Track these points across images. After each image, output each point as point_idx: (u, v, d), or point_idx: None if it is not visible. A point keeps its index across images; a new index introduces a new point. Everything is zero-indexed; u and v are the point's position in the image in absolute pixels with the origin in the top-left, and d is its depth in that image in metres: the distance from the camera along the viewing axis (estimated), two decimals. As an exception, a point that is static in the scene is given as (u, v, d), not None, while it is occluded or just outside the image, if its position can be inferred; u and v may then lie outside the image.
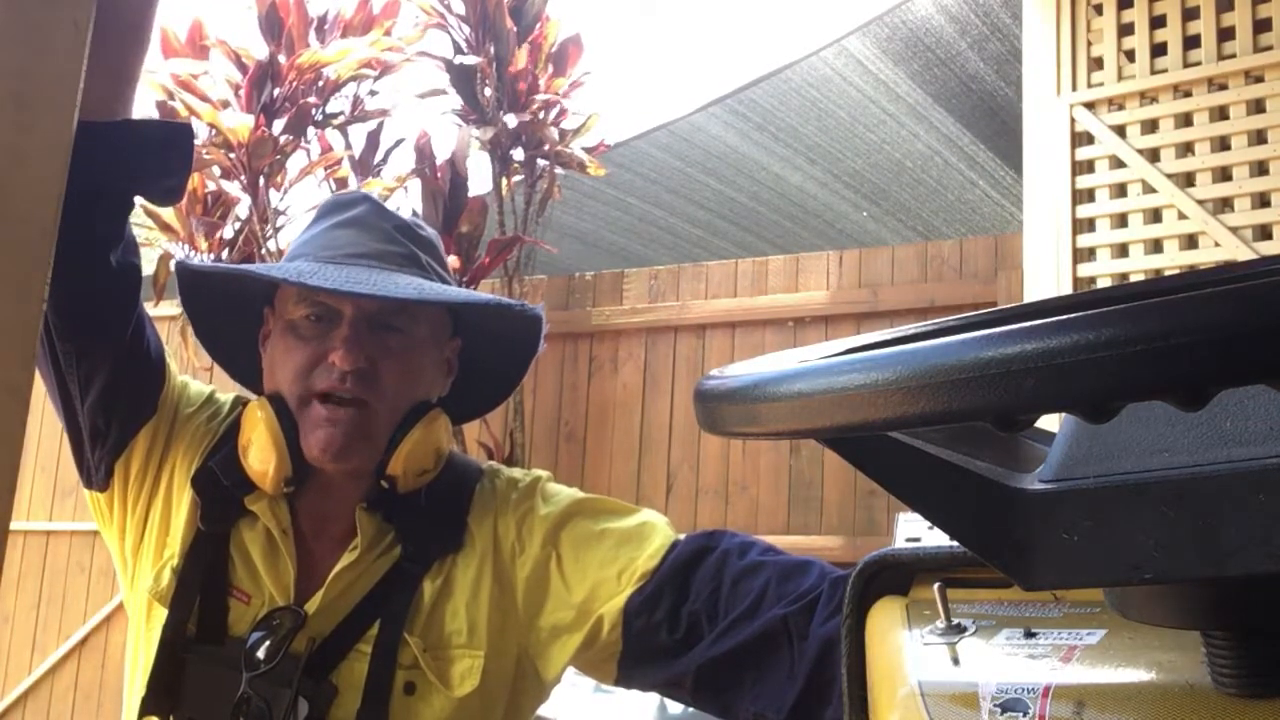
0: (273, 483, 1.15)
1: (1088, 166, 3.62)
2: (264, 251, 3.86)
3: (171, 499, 1.21)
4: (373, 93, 4.14)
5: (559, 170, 4.19)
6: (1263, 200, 3.36)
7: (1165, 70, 3.54)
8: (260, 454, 1.15)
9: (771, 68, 4.58)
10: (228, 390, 1.32)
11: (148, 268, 3.65)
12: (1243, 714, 0.53)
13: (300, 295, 1.16)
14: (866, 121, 4.93)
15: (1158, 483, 0.51)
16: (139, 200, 1.16)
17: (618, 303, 4.47)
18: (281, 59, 3.82)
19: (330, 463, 1.14)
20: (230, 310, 1.26)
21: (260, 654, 1.11)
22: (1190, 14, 3.54)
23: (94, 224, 1.09)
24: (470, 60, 4.06)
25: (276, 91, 3.80)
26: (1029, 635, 0.67)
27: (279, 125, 3.83)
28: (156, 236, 3.95)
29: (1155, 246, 3.50)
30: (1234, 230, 3.35)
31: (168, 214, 3.81)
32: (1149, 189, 3.51)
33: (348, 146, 4.11)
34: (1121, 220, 3.56)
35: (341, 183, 4.08)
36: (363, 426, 1.14)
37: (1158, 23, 3.59)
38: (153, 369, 1.21)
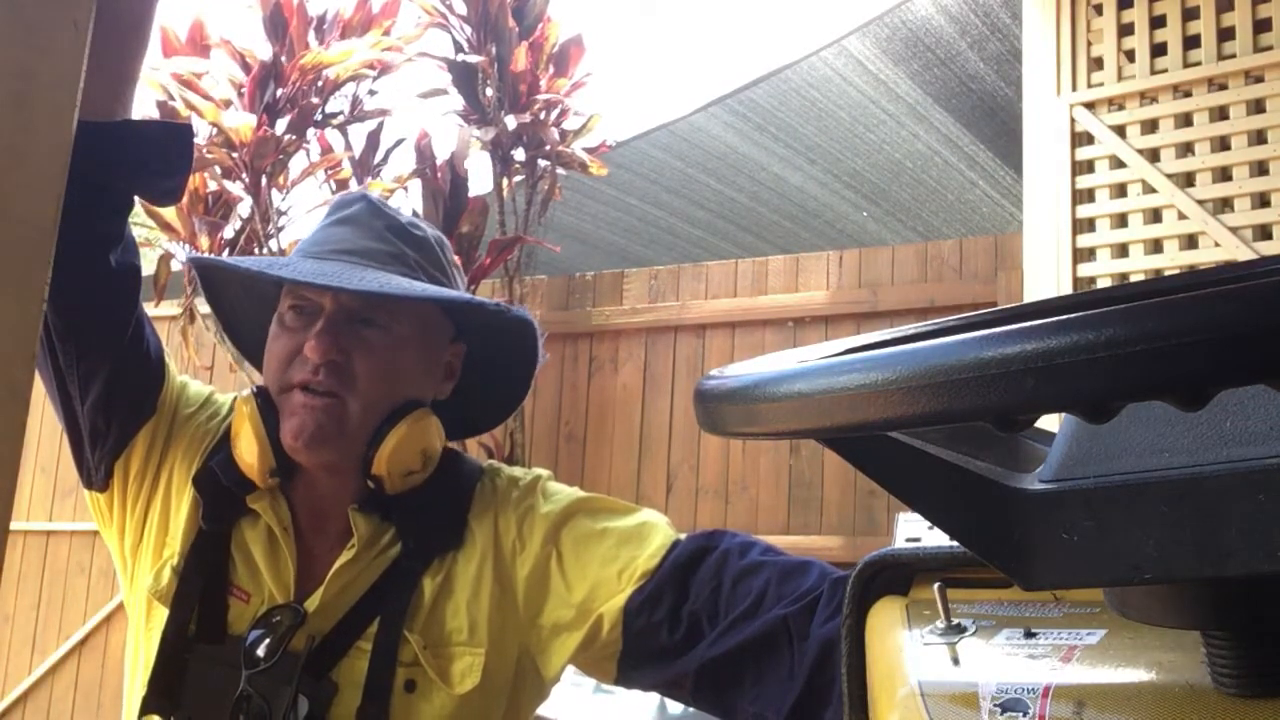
0: (259, 474, 1.15)
1: (1088, 166, 3.62)
2: (265, 251, 3.86)
3: (171, 498, 1.21)
4: (372, 93, 4.13)
5: (560, 170, 4.19)
6: (1263, 200, 3.36)
7: (1165, 70, 3.54)
8: (246, 445, 1.15)
9: (771, 68, 4.58)
10: (228, 390, 1.32)
11: (148, 268, 3.64)
12: (1243, 714, 0.53)
13: (288, 289, 1.18)
14: (866, 121, 4.93)
15: (1158, 483, 0.51)
16: (139, 200, 1.16)
17: (618, 303, 4.47)
18: (285, 59, 3.82)
19: (302, 450, 1.14)
20: (250, 303, 1.29)
21: (260, 652, 1.11)
22: (1190, 14, 3.54)
23: (94, 224, 1.09)
24: (472, 60, 4.06)
25: (279, 92, 3.80)
26: (1029, 635, 0.67)
27: (281, 125, 3.83)
28: (157, 236, 3.95)
29: (1155, 246, 3.50)
30: (1234, 230, 3.35)
31: (169, 214, 3.80)
32: (1149, 189, 3.51)
33: (348, 147, 4.11)
34: (1121, 220, 3.56)
35: (343, 184, 4.08)
36: (335, 419, 1.14)
37: (1158, 23, 3.59)
38: (152, 369, 1.21)
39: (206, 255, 3.82)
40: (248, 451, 1.15)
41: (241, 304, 1.30)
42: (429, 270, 1.23)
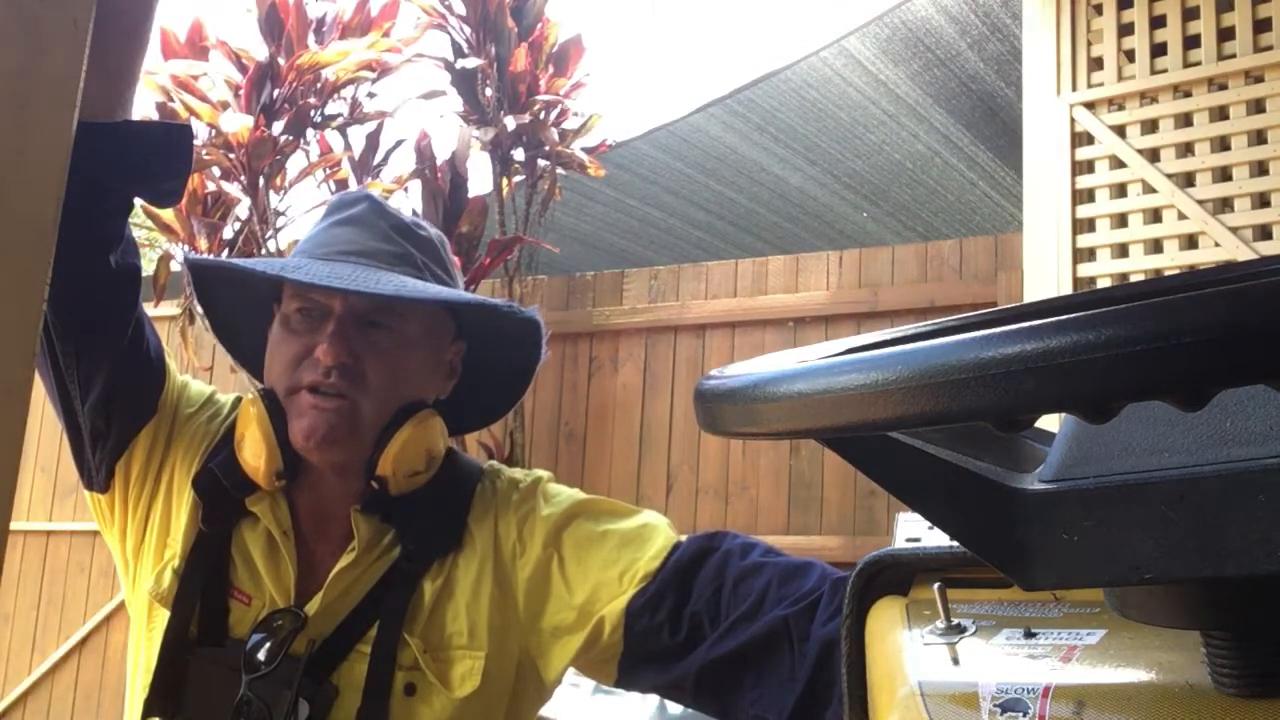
0: (265, 476, 1.15)
1: (1088, 166, 3.62)
2: (263, 252, 3.86)
3: (172, 500, 1.21)
4: (371, 95, 4.13)
5: (560, 171, 4.19)
6: (1263, 200, 3.36)
7: (1165, 70, 3.54)
8: (252, 447, 1.15)
9: (771, 68, 4.58)
10: (228, 390, 1.32)
11: (148, 268, 3.64)
12: (1243, 714, 0.53)
13: (294, 290, 1.17)
14: (866, 122, 4.93)
15: (1158, 483, 0.51)
16: (139, 201, 1.16)
17: (618, 303, 4.47)
18: (281, 60, 3.82)
19: (314, 450, 1.14)
20: (245, 305, 1.27)
21: (260, 656, 1.11)
22: (1190, 14, 3.54)
23: (94, 224, 1.09)
24: (471, 61, 4.06)
25: (276, 93, 3.80)
26: (1029, 635, 0.67)
27: (278, 126, 3.83)
28: (156, 237, 3.95)
29: (1155, 246, 3.50)
30: (1234, 230, 3.35)
31: (168, 214, 3.80)
32: (1149, 189, 3.51)
33: (347, 147, 4.11)
34: (1121, 220, 3.56)
35: (342, 184, 4.08)
36: (348, 419, 1.14)
37: (1158, 23, 3.59)
38: (153, 370, 1.21)
39: (205, 256, 3.83)
40: (253, 453, 1.15)
41: (236, 307, 1.29)
42: (434, 270, 1.23)
